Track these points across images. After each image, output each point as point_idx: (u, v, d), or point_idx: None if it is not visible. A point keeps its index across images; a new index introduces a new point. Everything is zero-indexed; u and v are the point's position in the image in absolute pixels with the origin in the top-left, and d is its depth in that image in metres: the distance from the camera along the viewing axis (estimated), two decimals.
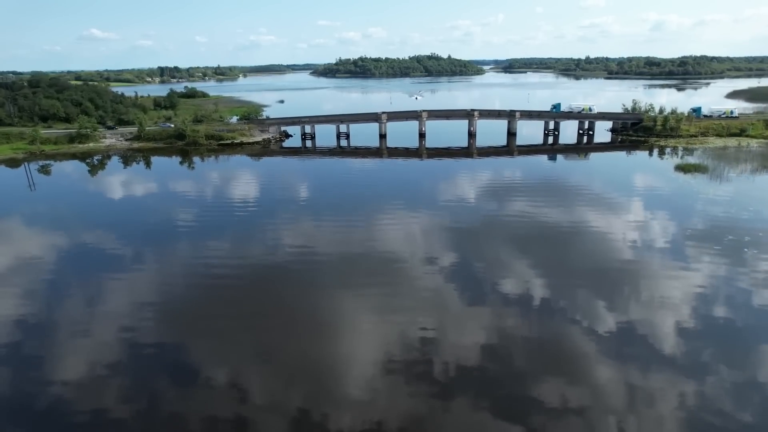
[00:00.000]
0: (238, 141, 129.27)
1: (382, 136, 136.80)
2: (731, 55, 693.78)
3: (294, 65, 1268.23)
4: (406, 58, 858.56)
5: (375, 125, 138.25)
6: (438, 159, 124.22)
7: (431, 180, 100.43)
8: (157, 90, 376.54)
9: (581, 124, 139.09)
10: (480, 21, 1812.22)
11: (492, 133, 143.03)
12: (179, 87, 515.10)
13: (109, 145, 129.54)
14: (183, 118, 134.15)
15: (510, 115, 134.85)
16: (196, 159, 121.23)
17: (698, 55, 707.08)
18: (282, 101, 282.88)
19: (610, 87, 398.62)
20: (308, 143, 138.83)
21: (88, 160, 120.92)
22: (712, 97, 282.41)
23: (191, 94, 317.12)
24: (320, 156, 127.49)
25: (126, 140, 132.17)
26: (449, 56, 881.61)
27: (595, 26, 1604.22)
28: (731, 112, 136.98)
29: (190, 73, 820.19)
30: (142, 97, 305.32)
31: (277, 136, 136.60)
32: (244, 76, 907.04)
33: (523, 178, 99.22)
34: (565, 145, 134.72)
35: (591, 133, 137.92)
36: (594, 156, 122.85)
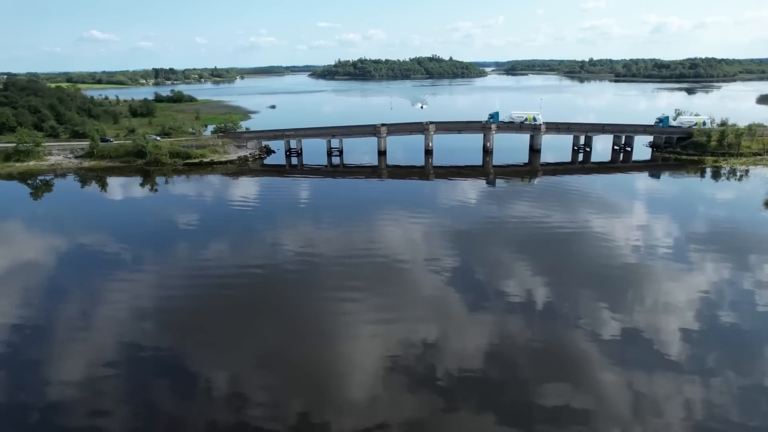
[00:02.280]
0: (208, 160, 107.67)
1: (382, 153, 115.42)
2: (731, 57, 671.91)
3: (294, 67, 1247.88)
4: (407, 59, 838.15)
5: (373, 140, 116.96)
6: (448, 180, 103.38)
7: (441, 210, 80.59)
8: (150, 93, 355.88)
9: (616, 139, 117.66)
10: (480, 23, 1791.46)
11: (511, 149, 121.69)
12: (172, 90, 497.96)
13: (55, 163, 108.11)
14: (144, 131, 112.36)
15: (534, 128, 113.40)
16: (153, 182, 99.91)
17: (703, 57, 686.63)
18: (273, 106, 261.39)
19: (623, 91, 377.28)
20: (294, 160, 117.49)
21: (29, 181, 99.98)
22: (739, 102, 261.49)
23: (177, 98, 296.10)
24: (307, 176, 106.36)
25: (76, 158, 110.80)
26: (451, 58, 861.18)
27: (595, 28, 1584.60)
28: None
29: (185, 75, 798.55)
30: (122, 101, 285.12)
31: (257, 153, 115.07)
32: (242, 77, 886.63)
33: (552, 209, 77.29)
34: (597, 163, 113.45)
35: (628, 149, 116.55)
36: (639, 179, 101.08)
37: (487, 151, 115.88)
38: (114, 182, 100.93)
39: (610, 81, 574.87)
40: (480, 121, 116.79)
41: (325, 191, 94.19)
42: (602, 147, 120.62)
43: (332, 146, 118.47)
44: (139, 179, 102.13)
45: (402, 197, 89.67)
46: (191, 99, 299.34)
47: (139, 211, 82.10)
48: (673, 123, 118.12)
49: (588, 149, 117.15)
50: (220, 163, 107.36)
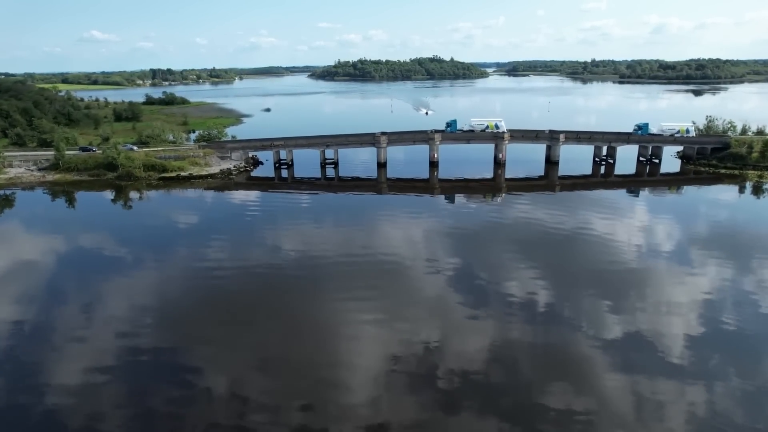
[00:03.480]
0: (186, 173, 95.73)
1: (382, 165, 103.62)
2: (731, 58, 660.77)
3: (294, 67, 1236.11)
4: (407, 60, 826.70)
5: (372, 150, 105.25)
6: (455, 195, 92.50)
7: (448, 231, 69.43)
8: (146, 94, 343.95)
9: (643, 150, 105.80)
10: (481, 23, 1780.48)
11: (525, 160, 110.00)
12: (164, 92, 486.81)
13: (14, 177, 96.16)
14: (115, 141, 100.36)
15: (551, 138, 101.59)
16: (124, 198, 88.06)
17: (707, 58, 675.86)
18: (268, 109, 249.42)
19: (630, 93, 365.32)
20: (284, 173, 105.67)
21: None
22: (757, 103, 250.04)
23: (169, 101, 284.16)
24: (298, 191, 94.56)
25: (39, 170, 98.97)
26: (452, 59, 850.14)
27: (595, 29, 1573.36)
28: None
29: (183, 76, 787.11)
30: (113, 103, 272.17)
31: (242, 165, 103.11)
32: (240, 78, 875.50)
33: (577, 236, 65.28)
34: (621, 176, 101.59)
35: (657, 161, 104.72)
36: (673, 196, 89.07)
37: (498, 163, 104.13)
38: (75, 200, 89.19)
39: (614, 82, 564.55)
40: (492, 132, 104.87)
41: (317, 209, 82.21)
42: (626, 157, 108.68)
43: (326, 157, 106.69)
44: (105, 196, 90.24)
45: (404, 217, 78.11)
46: (183, 101, 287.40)
47: (90, 237, 69.91)
48: (653, 131, 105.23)
49: (611, 161, 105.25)
50: (200, 177, 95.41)
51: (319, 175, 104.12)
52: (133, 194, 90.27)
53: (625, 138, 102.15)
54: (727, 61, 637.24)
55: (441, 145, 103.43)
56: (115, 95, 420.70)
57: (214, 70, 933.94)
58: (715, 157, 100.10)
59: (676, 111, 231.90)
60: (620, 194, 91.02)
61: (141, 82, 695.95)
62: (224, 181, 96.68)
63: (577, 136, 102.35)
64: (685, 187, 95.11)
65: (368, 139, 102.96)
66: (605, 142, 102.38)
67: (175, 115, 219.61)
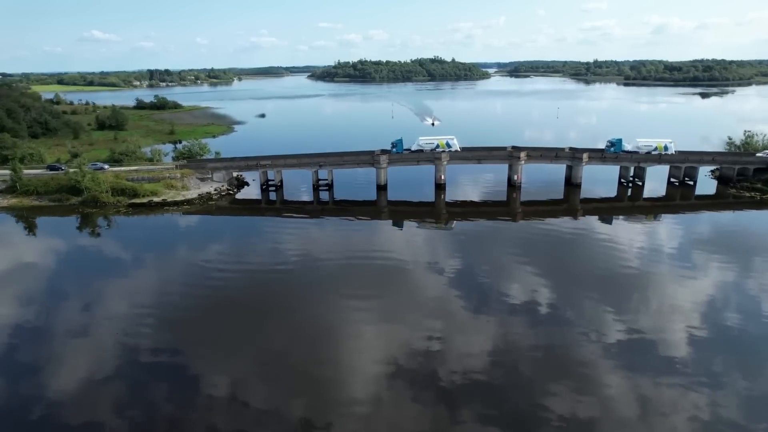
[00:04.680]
0: (159, 199, 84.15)
1: (382, 188, 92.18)
2: (731, 59, 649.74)
3: (294, 67, 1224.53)
4: (408, 61, 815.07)
5: (371, 170, 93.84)
6: (464, 222, 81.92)
7: (458, 271, 58.57)
8: (143, 96, 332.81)
9: (674, 170, 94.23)
10: (481, 23, 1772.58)
11: (542, 181, 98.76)
12: (165, 92, 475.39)
13: None
14: (80, 161, 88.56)
15: (573, 158, 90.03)
16: (90, 227, 76.71)
17: (712, 58, 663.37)
18: (263, 115, 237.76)
19: (639, 96, 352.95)
20: (272, 195, 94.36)
21: None
22: None
23: (161, 105, 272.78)
24: (286, 217, 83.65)
25: None
26: (453, 59, 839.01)
27: (596, 29, 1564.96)
28: None
29: (181, 77, 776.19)
30: (94, 107, 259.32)
31: (224, 187, 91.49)
32: (239, 79, 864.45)
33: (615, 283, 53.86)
34: (650, 199, 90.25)
35: (691, 182, 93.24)
36: (714, 225, 77.33)
37: (513, 185, 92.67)
38: (33, 227, 77.89)
39: (618, 84, 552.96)
40: (504, 148, 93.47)
41: (308, 241, 70.66)
42: (655, 177, 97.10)
43: (320, 178, 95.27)
44: (62, 226, 78.94)
45: (408, 247, 67.02)
46: (176, 106, 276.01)
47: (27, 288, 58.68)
48: (627, 147, 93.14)
49: (640, 182, 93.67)
50: (175, 203, 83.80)
51: (311, 198, 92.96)
52: (91, 226, 79.02)
53: (655, 158, 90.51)
54: (732, 62, 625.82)
55: (449, 165, 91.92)
56: (109, 97, 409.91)
57: (212, 70, 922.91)
58: (759, 179, 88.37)
59: (699, 117, 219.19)
60: (653, 221, 79.78)
61: (138, 83, 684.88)
62: (203, 207, 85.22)
63: (602, 156, 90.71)
64: (727, 213, 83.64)
65: (366, 159, 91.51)
66: (633, 162, 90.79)
67: (165, 121, 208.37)
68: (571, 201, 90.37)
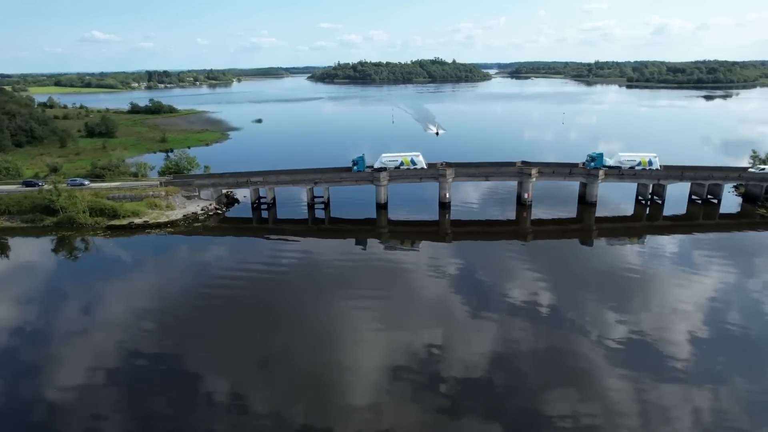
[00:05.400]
0: (141, 220, 77.55)
1: (382, 206, 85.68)
2: (732, 59, 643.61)
3: (294, 68, 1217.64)
4: (409, 62, 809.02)
5: (370, 188, 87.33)
6: (470, 242, 76.47)
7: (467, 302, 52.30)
8: (140, 98, 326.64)
9: (696, 187, 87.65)
10: (482, 24, 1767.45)
11: (553, 198, 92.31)
12: (163, 94, 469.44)
13: None
14: (55, 179, 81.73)
15: (588, 174, 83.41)
16: (65, 251, 70.24)
17: (710, 59, 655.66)
18: (260, 120, 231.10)
19: (647, 100, 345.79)
20: (264, 214, 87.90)
21: None
22: None
23: (156, 109, 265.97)
24: (278, 236, 77.99)
25: None
26: (454, 61, 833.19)
27: (597, 29, 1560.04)
28: None
29: (180, 78, 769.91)
30: (87, 112, 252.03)
31: (213, 206, 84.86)
32: (238, 80, 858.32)
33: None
34: (670, 218, 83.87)
35: (713, 200, 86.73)
36: (747, 250, 70.79)
37: (522, 203, 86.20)
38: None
39: (621, 86, 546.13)
40: (513, 163, 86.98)
41: (299, 270, 64.27)
42: (675, 195, 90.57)
43: (315, 195, 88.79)
44: (33, 250, 72.59)
45: (412, 275, 60.76)
46: (171, 110, 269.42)
47: None
48: (609, 162, 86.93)
49: (659, 200, 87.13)
50: (158, 225, 77.18)
51: (306, 216, 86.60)
52: (67, 250, 72.75)
53: (677, 174, 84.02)
54: (735, 63, 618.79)
55: (454, 182, 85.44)
56: (106, 100, 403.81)
57: (211, 71, 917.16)
58: None
59: (711, 122, 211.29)
60: (674, 242, 73.49)
61: (136, 84, 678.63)
62: (189, 229, 78.66)
63: (620, 173, 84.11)
64: (754, 233, 77.28)
65: (365, 176, 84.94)
66: (653, 179, 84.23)
67: (158, 127, 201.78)
68: (585, 220, 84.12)
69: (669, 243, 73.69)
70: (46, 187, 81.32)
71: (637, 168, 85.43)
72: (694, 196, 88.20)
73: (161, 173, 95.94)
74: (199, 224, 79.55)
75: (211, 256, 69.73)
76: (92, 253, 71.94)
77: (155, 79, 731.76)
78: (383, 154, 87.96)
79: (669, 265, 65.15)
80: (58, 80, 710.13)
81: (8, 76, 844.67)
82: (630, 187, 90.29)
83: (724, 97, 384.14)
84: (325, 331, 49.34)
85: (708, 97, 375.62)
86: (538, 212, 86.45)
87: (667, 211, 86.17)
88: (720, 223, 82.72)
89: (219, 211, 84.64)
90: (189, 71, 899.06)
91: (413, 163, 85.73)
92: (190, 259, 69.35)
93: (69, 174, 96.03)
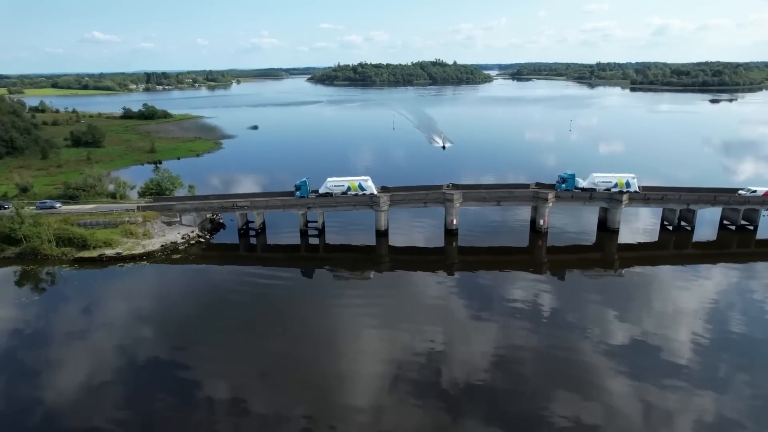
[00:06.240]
0: (113, 252, 69.42)
1: (382, 233, 77.58)
2: (733, 60, 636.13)
3: (294, 69, 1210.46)
4: (409, 63, 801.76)
5: (368, 213, 79.22)
6: (476, 273, 68.42)
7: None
8: (138, 100, 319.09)
9: (730, 212, 79.54)
10: (482, 25, 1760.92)
11: (569, 222, 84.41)
12: (159, 97, 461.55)
13: None
14: (18, 204, 73.26)
15: (611, 199, 75.28)
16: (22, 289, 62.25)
17: (712, 60, 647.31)
18: (255, 127, 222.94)
19: (653, 104, 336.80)
20: (252, 240, 79.88)
21: None
22: None
23: (149, 114, 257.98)
24: (266, 265, 70.75)
25: None
26: (455, 62, 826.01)
27: (597, 30, 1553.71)
28: None
29: (178, 80, 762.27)
30: (77, 117, 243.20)
31: (194, 234, 76.69)
32: (238, 82, 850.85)
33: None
34: (701, 244, 76.04)
35: (752, 227, 78.60)
36: None
37: (537, 230, 78.06)
38: None
39: (624, 88, 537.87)
40: (527, 185, 78.94)
41: (287, 310, 56.38)
42: (704, 219, 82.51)
43: (309, 220, 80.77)
44: None
45: (416, 315, 52.77)
46: (165, 115, 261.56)
47: None
48: (582, 184, 78.90)
49: (688, 227, 79.05)
50: (132, 257, 69.04)
51: (298, 242, 78.64)
52: (31, 284, 64.82)
53: (710, 198, 75.93)
54: (738, 65, 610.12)
55: (462, 207, 77.34)
56: (103, 103, 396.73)
57: (210, 73, 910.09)
58: None
59: (739, 131, 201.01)
60: (710, 274, 65.77)
61: (134, 86, 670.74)
62: (166, 259, 70.57)
63: (646, 197, 75.98)
64: None
65: (364, 200, 76.82)
66: (682, 203, 76.13)
67: (150, 135, 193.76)
68: (606, 249, 76.17)
69: (703, 275, 66.08)
70: (7, 213, 73.14)
71: (613, 190, 77.41)
72: (725, 221, 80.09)
73: (141, 194, 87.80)
74: (179, 255, 71.42)
75: (184, 292, 61.64)
76: (57, 287, 64.13)
77: (154, 80, 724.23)
78: (329, 179, 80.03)
79: (708, 303, 57.52)
80: (55, 82, 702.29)
81: (7, 77, 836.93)
82: (653, 212, 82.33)
83: (730, 100, 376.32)
84: (314, 398, 41.29)
85: (714, 101, 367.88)
86: (552, 237, 78.56)
87: (696, 238, 78.34)
88: (757, 251, 74.77)
89: (202, 239, 76.48)
90: (189, 72, 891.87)
91: (361, 188, 77.88)
92: (160, 297, 61.09)
93: (40, 194, 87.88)
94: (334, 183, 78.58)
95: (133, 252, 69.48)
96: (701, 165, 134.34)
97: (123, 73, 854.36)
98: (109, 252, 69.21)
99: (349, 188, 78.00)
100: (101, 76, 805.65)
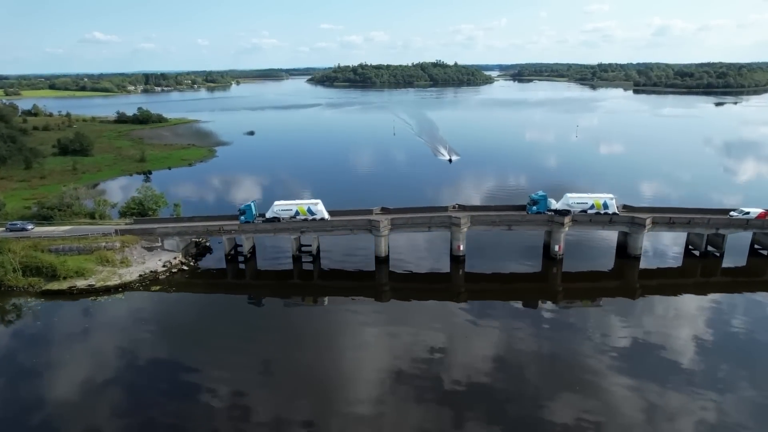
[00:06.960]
0: (84, 284, 62.88)
1: (382, 261, 70.98)
2: (733, 61, 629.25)
3: (294, 69, 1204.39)
4: (410, 65, 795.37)
5: (367, 237, 72.63)
6: (485, 302, 63.36)
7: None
8: (136, 102, 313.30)
9: (761, 237, 72.92)
10: (483, 25, 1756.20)
11: (585, 247, 77.80)
12: (157, 99, 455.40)
13: None
14: None
15: (632, 223, 68.68)
16: None
17: (714, 61, 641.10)
18: (252, 132, 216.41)
19: (658, 107, 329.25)
20: (241, 266, 73.38)
21: None
22: None
23: (144, 119, 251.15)
24: (254, 293, 64.98)
25: None
26: (455, 63, 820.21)
27: (598, 31, 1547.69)
28: None
29: (177, 81, 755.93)
30: (70, 121, 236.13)
31: (177, 261, 70.10)
32: (237, 83, 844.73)
33: None
34: (730, 272, 69.67)
35: None
36: None
37: (551, 256, 71.50)
38: None
39: (626, 90, 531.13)
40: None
41: (276, 353, 49.99)
42: (732, 244, 75.88)
43: (302, 244, 74.25)
44: None
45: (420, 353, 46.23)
46: (160, 119, 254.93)
47: None
48: (555, 205, 72.48)
49: (717, 252, 72.44)
50: (106, 290, 62.49)
51: (291, 267, 72.20)
52: None
53: (742, 223, 69.34)
54: (742, 66, 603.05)
55: (469, 231, 70.73)
56: (100, 105, 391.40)
57: (210, 74, 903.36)
58: None
59: (758, 140, 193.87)
60: (741, 304, 59.42)
61: (133, 88, 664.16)
62: (148, 291, 64.07)
63: (671, 221, 69.35)
64: None
65: (362, 224, 70.32)
66: (710, 228, 69.54)
67: (142, 142, 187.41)
68: (626, 276, 69.74)
69: (738, 306, 59.78)
70: None
71: (589, 212, 71.05)
72: (757, 246, 73.49)
73: (122, 213, 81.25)
74: (158, 287, 64.82)
75: (161, 331, 55.09)
76: (23, 321, 57.75)
77: (152, 82, 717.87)
78: (276, 202, 73.71)
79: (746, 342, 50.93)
80: (53, 84, 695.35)
81: (6, 77, 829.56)
82: (676, 235, 75.71)
83: (735, 103, 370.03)
84: None
85: (719, 104, 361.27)
86: (566, 263, 72.07)
87: (726, 264, 71.89)
88: None
89: (185, 267, 69.87)
90: (189, 73, 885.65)
91: (310, 212, 71.72)
92: (132, 337, 54.53)
93: (13, 214, 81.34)
94: (281, 207, 72.47)
95: (108, 283, 62.93)
96: (727, 180, 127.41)
97: (123, 74, 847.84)
98: (80, 283, 62.68)
99: (297, 212, 71.91)
100: (101, 76, 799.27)
